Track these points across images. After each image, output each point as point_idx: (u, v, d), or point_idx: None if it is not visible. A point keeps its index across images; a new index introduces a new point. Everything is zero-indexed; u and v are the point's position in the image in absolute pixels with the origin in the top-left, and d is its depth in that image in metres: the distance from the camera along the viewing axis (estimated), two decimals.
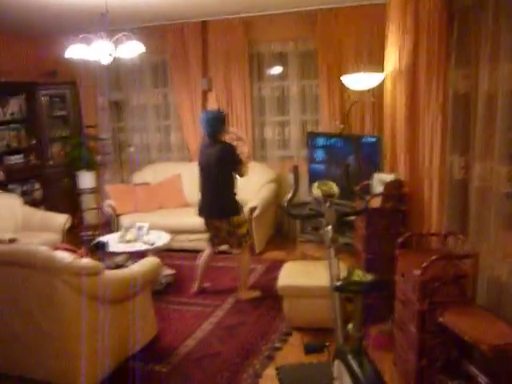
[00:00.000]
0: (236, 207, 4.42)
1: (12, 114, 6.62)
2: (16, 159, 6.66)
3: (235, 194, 4.44)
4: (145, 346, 3.71)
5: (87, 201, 7.12)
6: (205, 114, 4.44)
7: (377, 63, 5.56)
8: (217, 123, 4.33)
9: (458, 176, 3.08)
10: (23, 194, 6.66)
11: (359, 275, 2.41)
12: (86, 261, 3.21)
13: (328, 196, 2.81)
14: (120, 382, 3.33)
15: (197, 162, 4.53)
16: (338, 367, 2.57)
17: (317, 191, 2.84)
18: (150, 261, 3.80)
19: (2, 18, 5.63)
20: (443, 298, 2.78)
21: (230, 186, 4.40)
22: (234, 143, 4.45)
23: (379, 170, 4.82)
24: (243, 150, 4.50)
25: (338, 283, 2.46)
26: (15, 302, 3.24)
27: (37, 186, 6.94)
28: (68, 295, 3.11)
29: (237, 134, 4.67)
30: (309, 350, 2.78)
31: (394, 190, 3.85)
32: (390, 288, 3.51)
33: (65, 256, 3.15)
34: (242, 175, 4.43)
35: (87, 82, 7.11)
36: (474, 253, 2.78)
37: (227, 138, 4.45)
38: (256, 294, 4.63)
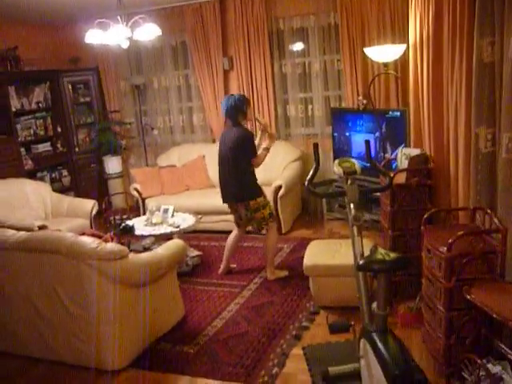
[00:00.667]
0: (252, 191, 4.38)
1: (37, 102, 6.70)
2: (43, 147, 6.77)
3: (252, 179, 4.40)
4: (173, 327, 3.76)
5: (114, 185, 7.21)
6: (226, 99, 4.39)
7: (400, 35, 5.43)
8: (238, 108, 4.31)
9: (484, 149, 2.97)
10: (52, 181, 6.80)
11: (382, 253, 2.36)
12: (111, 245, 3.24)
13: (349, 173, 2.75)
14: (148, 364, 3.38)
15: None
16: (363, 346, 2.55)
17: (338, 169, 2.79)
18: (175, 243, 3.82)
19: (21, 8, 5.66)
20: (471, 274, 2.71)
21: (246, 170, 4.35)
22: (258, 132, 4.41)
23: (405, 144, 4.72)
24: (262, 142, 4.48)
25: (361, 262, 2.42)
26: (44, 287, 3.32)
27: (65, 172, 7.06)
28: (94, 279, 3.17)
29: (262, 123, 4.60)
30: (333, 329, 2.77)
31: (419, 164, 3.75)
32: (414, 266, 3.46)
33: (90, 241, 3.20)
34: (256, 164, 4.38)
35: (109, 67, 7.14)
36: (503, 227, 2.68)
37: (250, 125, 4.41)
38: (283, 273, 4.62)
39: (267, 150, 4.39)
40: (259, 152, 4.37)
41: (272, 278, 4.55)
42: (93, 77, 7.20)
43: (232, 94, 4.51)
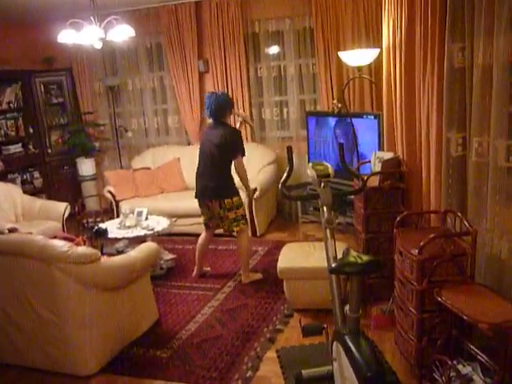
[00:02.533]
0: (230, 189, 4.37)
1: (8, 102, 6.57)
2: (14, 149, 6.63)
3: (231, 177, 4.40)
4: (146, 331, 3.72)
5: (88, 188, 7.12)
6: (210, 96, 4.31)
7: (374, 39, 5.49)
8: (223, 106, 4.27)
9: (455, 153, 3.02)
10: (23, 183, 6.67)
11: (354, 256, 2.38)
12: (83, 249, 3.20)
13: (323, 176, 2.76)
14: (121, 368, 3.34)
15: (196, 145, 4.48)
16: (336, 348, 2.56)
17: (311, 171, 2.80)
18: (149, 246, 3.78)
19: None
20: (442, 276, 2.75)
21: (228, 168, 4.36)
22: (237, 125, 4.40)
23: (379, 148, 4.77)
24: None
25: (333, 265, 2.43)
26: (15, 292, 3.25)
27: (36, 174, 6.93)
28: (66, 283, 3.11)
29: (243, 115, 4.60)
30: (306, 332, 2.77)
31: (392, 168, 3.80)
32: (387, 269, 3.50)
33: (61, 244, 3.15)
34: (239, 168, 4.36)
35: (83, 68, 7.05)
36: (473, 230, 2.73)
37: (231, 121, 4.39)
38: (258, 276, 4.61)
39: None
40: None
41: (246, 281, 4.54)
42: (66, 77, 7.10)
43: (214, 92, 4.43)
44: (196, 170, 4.48)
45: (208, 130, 4.47)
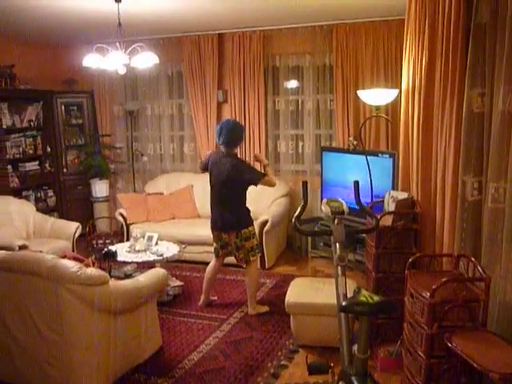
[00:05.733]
0: (245, 220, 4.37)
1: (29, 121, 6.68)
2: (31, 166, 6.71)
3: (246, 207, 4.40)
4: (149, 358, 3.67)
5: (100, 209, 7.15)
6: (225, 122, 4.33)
7: (393, 79, 5.56)
8: (235, 134, 4.27)
9: (471, 197, 3.01)
10: (37, 201, 6.72)
11: (366, 296, 2.34)
12: (92, 270, 3.18)
13: (337, 213, 2.75)
14: None
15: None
16: None
17: (326, 208, 2.79)
18: (157, 272, 3.77)
19: (21, 27, 5.71)
20: (453, 322, 2.70)
21: (241, 199, 4.36)
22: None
23: (393, 187, 4.76)
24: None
25: (344, 303, 2.40)
26: (19, 309, 3.23)
27: (50, 193, 6.99)
28: (72, 304, 3.09)
29: (259, 158, 4.50)
30: (312, 370, 2.71)
31: (406, 208, 3.78)
32: (397, 311, 3.44)
33: (70, 265, 3.13)
34: (270, 185, 4.34)
35: (104, 91, 7.18)
36: (486, 276, 2.69)
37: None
38: (264, 309, 4.57)
39: (267, 165, 4.40)
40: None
41: (253, 312, 4.50)
42: (87, 99, 7.22)
43: (229, 120, 4.44)
44: (210, 199, 4.46)
45: (217, 157, 4.39)
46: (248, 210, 4.41)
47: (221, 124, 4.34)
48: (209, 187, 4.48)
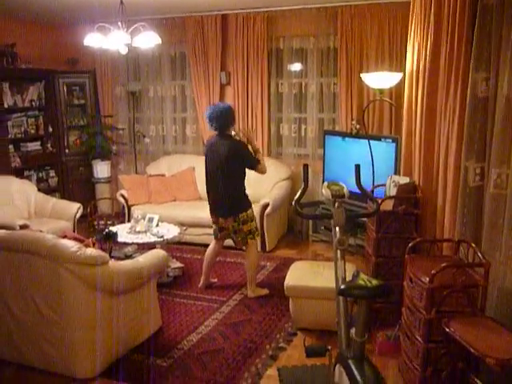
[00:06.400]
0: (243, 203, 4.35)
1: (31, 100, 6.65)
2: (33, 146, 6.70)
3: (244, 190, 4.37)
4: (148, 338, 3.70)
5: (101, 190, 7.15)
6: (214, 107, 4.28)
7: (397, 63, 5.50)
8: (226, 117, 4.22)
9: (472, 182, 2.99)
10: (38, 181, 6.73)
11: (364, 280, 2.34)
12: (91, 250, 3.19)
13: (337, 197, 2.74)
14: (119, 374, 3.31)
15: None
16: (339, 372, 2.52)
17: (326, 191, 2.77)
18: (157, 253, 3.78)
19: (22, 6, 5.64)
20: (451, 307, 2.71)
21: (239, 182, 4.33)
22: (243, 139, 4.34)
23: (395, 172, 4.74)
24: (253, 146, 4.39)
25: (342, 286, 2.40)
26: (20, 289, 3.25)
27: (52, 173, 6.99)
28: (72, 284, 3.11)
29: (250, 137, 4.45)
30: (309, 352, 2.72)
31: (407, 193, 3.76)
32: (395, 295, 3.44)
33: (70, 245, 3.14)
34: (261, 172, 4.33)
35: (106, 72, 7.12)
36: (486, 262, 2.69)
37: (234, 135, 4.34)
38: (264, 291, 4.58)
39: (258, 152, 4.36)
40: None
41: (252, 295, 4.51)
42: (89, 80, 7.17)
43: (216, 104, 4.41)
44: (206, 184, 4.42)
45: (212, 142, 4.36)
46: (245, 193, 4.38)
47: (210, 109, 4.28)
48: None
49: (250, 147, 4.30)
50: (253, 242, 4.44)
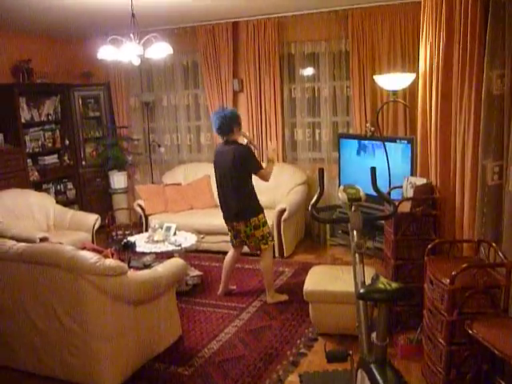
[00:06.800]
0: (254, 208, 4.32)
1: (47, 114, 6.74)
2: (50, 159, 6.78)
3: (254, 195, 4.34)
4: (169, 347, 3.70)
5: (118, 201, 7.20)
6: (217, 113, 4.26)
7: (410, 63, 5.47)
8: (231, 122, 4.20)
9: (491, 181, 2.95)
10: (56, 193, 6.81)
11: (383, 283, 2.32)
12: (110, 261, 3.21)
13: (354, 200, 2.72)
14: (142, 383, 3.32)
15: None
16: (361, 377, 2.49)
17: (342, 195, 2.75)
18: (176, 262, 3.79)
19: (36, 22, 5.75)
20: (473, 308, 2.67)
21: (247, 187, 4.30)
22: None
23: (411, 173, 4.70)
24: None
25: (361, 290, 2.38)
26: (41, 301, 3.28)
27: (70, 185, 7.06)
28: (92, 295, 3.13)
29: (249, 138, 4.53)
30: (330, 358, 2.69)
31: (424, 194, 3.72)
32: (415, 297, 3.40)
33: (89, 256, 3.17)
34: (263, 179, 4.31)
35: (120, 83, 7.19)
36: (508, 262, 2.64)
37: (240, 140, 4.35)
38: (283, 297, 4.56)
39: (272, 161, 4.36)
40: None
41: (271, 301, 4.49)
42: (103, 92, 7.25)
43: (222, 109, 4.40)
44: (218, 193, 4.44)
45: (219, 149, 4.38)
46: (256, 199, 4.35)
47: (213, 115, 4.30)
48: None
49: (255, 153, 4.28)
50: (266, 248, 4.41)
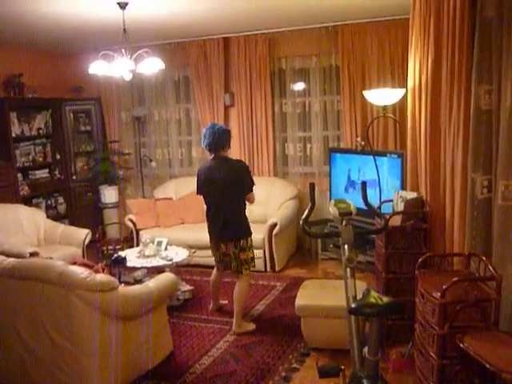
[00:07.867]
0: (245, 230, 4.18)
1: (38, 129, 6.73)
2: (41, 174, 6.76)
3: (245, 216, 4.20)
4: (160, 363, 3.67)
5: (109, 215, 7.17)
6: (209, 129, 4.13)
7: (399, 79, 5.53)
8: (222, 138, 4.09)
9: (480, 195, 2.97)
10: (47, 208, 6.77)
11: (375, 297, 2.33)
12: (101, 276, 3.19)
13: (345, 214, 2.73)
14: None
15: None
16: None
17: (333, 209, 2.77)
18: (167, 277, 3.77)
19: (28, 36, 5.76)
20: (464, 322, 2.67)
21: (240, 206, 4.17)
22: None
23: (402, 187, 4.73)
24: None
25: (353, 305, 2.38)
26: (31, 316, 3.24)
27: (60, 200, 7.03)
28: (82, 310, 3.10)
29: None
30: (322, 373, 2.69)
31: (414, 208, 3.75)
32: (407, 311, 3.41)
33: (80, 271, 3.15)
34: (250, 201, 4.20)
35: (111, 98, 7.21)
36: (498, 275, 2.66)
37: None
38: (251, 326, 4.30)
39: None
40: None
41: (239, 331, 4.21)
42: (95, 106, 7.26)
43: (213, 125, 4.24)
44: (206, 212, 4.27)
45: (210, 165, 4.20)
46: (247, 219, 4.21)
47: (204, 130, 4.18)
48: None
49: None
50: (247, 273, 4.23)
